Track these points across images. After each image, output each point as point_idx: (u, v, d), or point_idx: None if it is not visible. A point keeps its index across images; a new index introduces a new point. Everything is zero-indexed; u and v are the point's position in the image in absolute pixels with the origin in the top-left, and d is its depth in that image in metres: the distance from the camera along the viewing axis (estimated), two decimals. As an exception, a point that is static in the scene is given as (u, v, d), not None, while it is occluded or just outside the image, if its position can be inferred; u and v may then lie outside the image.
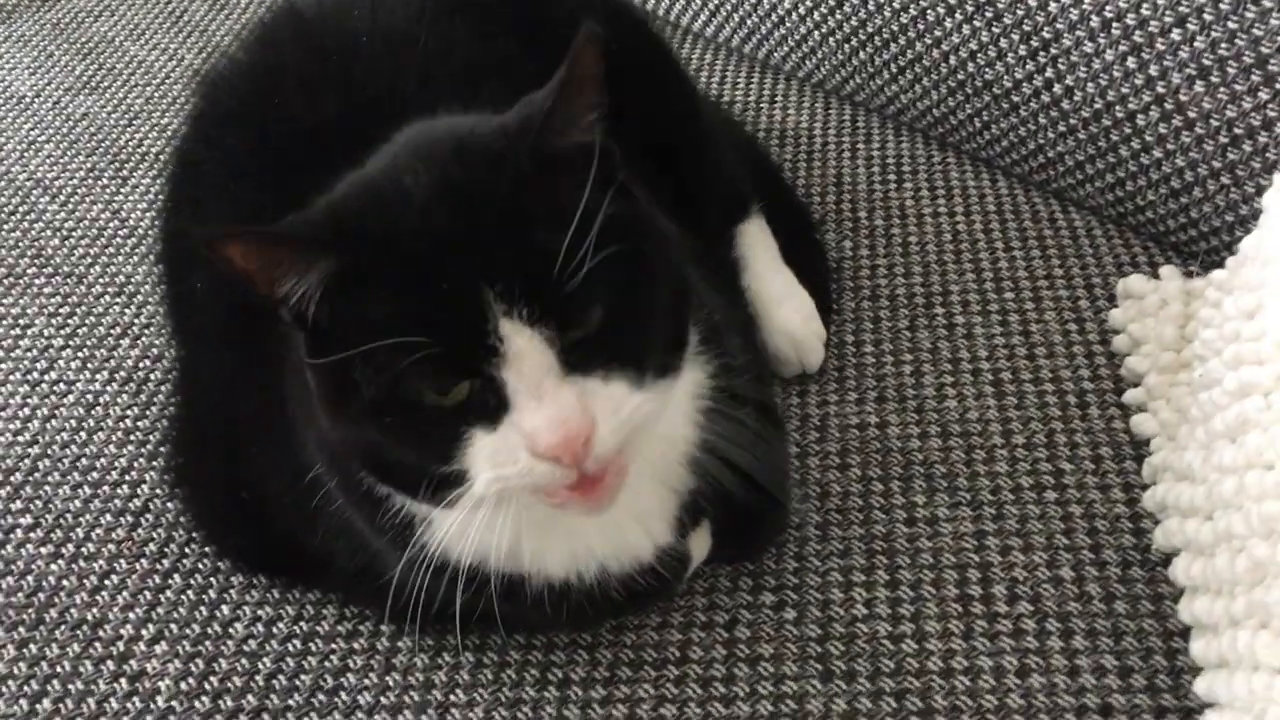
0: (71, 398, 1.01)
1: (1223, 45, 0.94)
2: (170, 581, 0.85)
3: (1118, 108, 1.03)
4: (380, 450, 0.61)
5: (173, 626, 0.82)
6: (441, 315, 0.56)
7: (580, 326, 0.58)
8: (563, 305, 0.56)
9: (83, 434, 0.98)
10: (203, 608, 0.84)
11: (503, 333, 0.56)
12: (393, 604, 0.77)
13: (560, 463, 0.57)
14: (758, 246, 1.02)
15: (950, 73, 1.15)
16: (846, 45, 1.24)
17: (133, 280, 1.14)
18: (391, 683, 0.78)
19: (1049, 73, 1.07)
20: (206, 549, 0.87)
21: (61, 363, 1.05)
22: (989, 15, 1.09)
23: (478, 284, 0.55)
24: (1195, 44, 0.96)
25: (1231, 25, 0.93)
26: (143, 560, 0.87)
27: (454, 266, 0.56)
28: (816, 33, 1.27)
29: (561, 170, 0.59)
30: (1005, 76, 1.10)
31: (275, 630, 0.82)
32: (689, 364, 0.67)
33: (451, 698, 0.77)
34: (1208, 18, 0.94)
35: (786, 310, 0.98)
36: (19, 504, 0.92)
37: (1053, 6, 1.04)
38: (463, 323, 0.56)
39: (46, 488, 0.93)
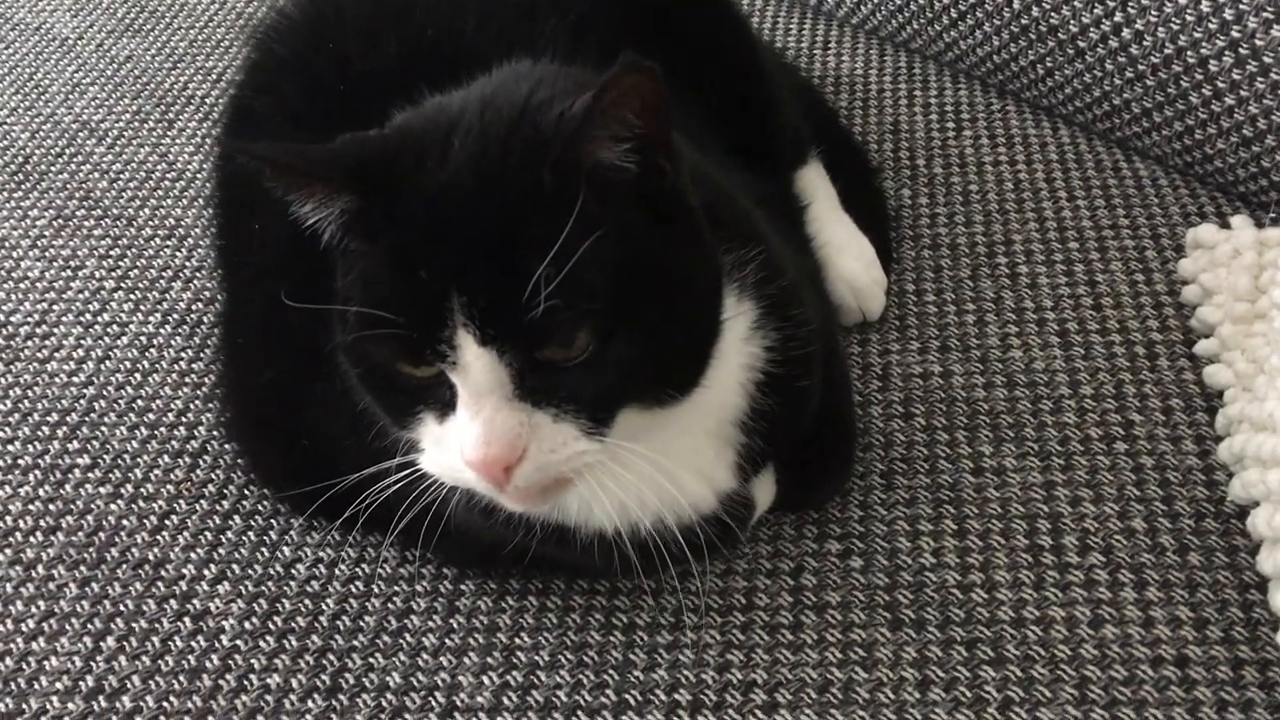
0: (125, 339, 1.01)
1: (1303, -12, 0.92)
2: (230, 523, 0.85)
3: (1189, 53, 1.00)
4: (358, 381, 0.63)
5: (234, 567, 0.82)
6: (411, 301, 0.56)
7: (550, 355, 0.56)
8: (524, 331, 0.55)
9: (138, 375, 0.97)
10: (264, 549, 0.83)
11: (457, 341, 0.55)
12: (451, 545, 0.77)
13: (482, 477, 0.58)
14: (818, 192, 1.00)
15: (1013, 18, 1.12)
16: (904, -10, 1.21)
17: (182, 223, 1.13)
18: (456, 625, 0.78)
19: (1117, 17, 1.04)
20: (265, 492, 0.87)
21: (114, 304, 1.04)
22: (1057, -43, 1.06)
23: (449, 287, 0.55)
24: (1274, -13, 0.93)
25: (1314, -33, 0.91)
26: (202, 501, 0.87)
27: (439, 259, 0.55)
28: (873, -23, 1.24)
29: (581, 191, 0.56)
30: (1071, 21, 1.07)
31: (337, 572, 0.81)
32: (746, 340, 0.67)
33: (517, 640, 0.76)
34: (1289, -41, 0.92)
35: (847, 258, 0.97)
36: (76, 444, 0.92)
37: (1124, -52, 1.01)
38: (426, 317, 0.55)
39: (104, 428, 0.93)
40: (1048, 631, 0.74)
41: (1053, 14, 1.08)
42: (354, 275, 0.59)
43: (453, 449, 0.59)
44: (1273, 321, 0.80)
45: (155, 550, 0.84)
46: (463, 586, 0.80)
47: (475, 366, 0.56)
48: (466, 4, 0.83)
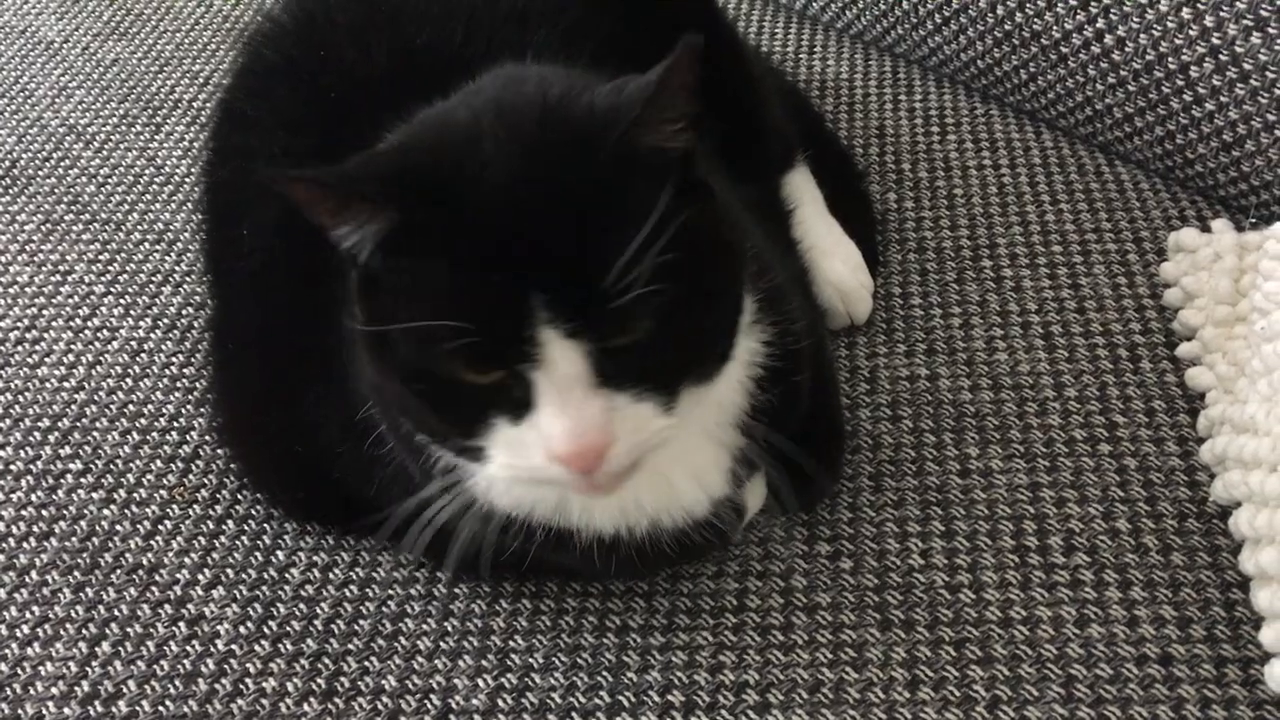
0: (116, 344, 1.01)
1: (1282, -5, 0.93)
2: (224, 527, 0.86)
3: (1171, 59, 1.02)
4: (404, 403, 0.62)
5: (229, 572, 0.83)
6: (485, 307, 0.55)
7: (621, 340, 0.56)
8: (607, 319, 0.55)
9: (129, 380, 0.97)
10: (258, 554, 0.84)
11: (540, 339, 0.55)
12: (445, 550, 0.78)
13: (572, 470, 0.57)
14: (805, 197, 1.01)
15: (997, 23, 1.13)
16: (889, -5, 1.23)
17: (171, 228, 1.13)
18: (450, 628, 0.78)
19: (1100, 23, 1.05)
20: (259, 496, 0.87)
21: (104, 309, 1.04)
22: (1040, -36, 1.07)
23: (527, 288, 0.54)
24: (1253, -6, 0.95)
25: (1292, -25, 0.92)
26: (195, 506, 0.87)
27: (510, 261, 0.55)
28: (858, -18, 1.25)
29: (639, 174, 0.57)
30: (1054, 27, 1.09)
31: (331, 576, 0.82)
32: (742, 336, 0.67)
33: (511, 643, 0.77)
34: (1268, -33, 0.93)
35: (834, 261, 0.98)
36: (68, 449, 0.92)
37: (1106, -45, 1.03)
38: (504, 320, 0.55)
39: (95, 433, 0.93)
40: (1034, 631, 0.75)
41: (1035, 20, 1.10)
42: (403, 293, 0.57)
43: (533, 448, 0.58)
44: (1253, 325, 0.82)
45: (149, 555, 0.84)
46: (457, 590, 0.81)
47: (561, 361, 0.56)
48: (456, 12, 0.84)
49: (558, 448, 0.57)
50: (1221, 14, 0.97)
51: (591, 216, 0.56)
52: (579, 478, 0.58)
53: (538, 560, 0.73)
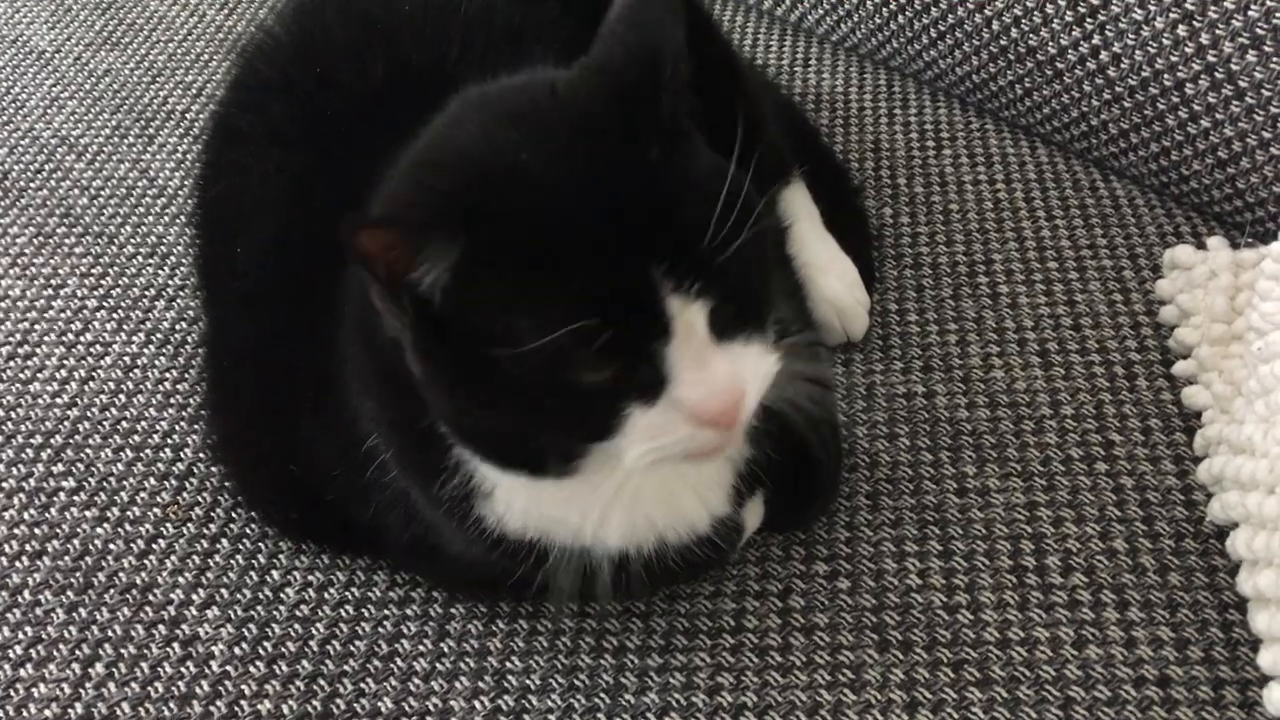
0: (109, 359, 1.00)
1: (1277, 15, 0.93)
2: (218, 546, 0.85)
3: (1166, 76, 1.02)
4: (507, 431, 0.60)
5: (223, 592, 0.82)
6: (613, 295, 0.54)
7: (734, 291, 0.57)
8: (717, 275, 0.56)
9: (122, 396, 0.97)
10: (252, 573, 0.83)
11: (670, 311, 0.55)
12: (445, 573, 0.78)
13: (718, 427, 0.57)
14: (800, 212, 1.01)
15: (992, 38, 1.14)
16: (884, 9, 1.23)
17: (164, 241, 1.13)
18: (447, 649, 0.78)
19: (1095, 40, 1.05)
20: (253, 514, 0.87)
21: (97, 324, 1.04)
22: (1036, -20, 1.08)
23: (645, 262, 0.54)
24: (1249, 12, 0.95)
25: (1288, -6, 0.92)
26: (189, 525, 0.87)
27: (614, 246, 0.54)
28: (853, -4, 1.25)
29: (681, 132, 0.58)
30: (1050, 43, 1.09)
31: (327, 596, 0.81)
32: None
33: (507, 665, 0.77)
34: (1263, -14, 0.93)
35: (830, 278, 0.98)
36: (61, 466, 0.91)
37: (1102, -28, 1.03)
38: (632, 302, 0.55)
39: (88, 450, 0.93)
40: (1032, 652, 0.75)
41: (1031, 36, 1.10)
42: (501, 319, 0.55)
43: (674, 422, 0.57)
44: (1250, 345, 0.82)
45: (143, 575, 0.83)
46: (453, 610, 0.80)
47: (690, 327, 0.56)
48: (452, 31, 0.84)
49: (705, 409, 0.57)
50: (1217, 32, 0.97)
51: (674, 180, 0.57)
52: (721, 434, 0.58)
53: (539, 582, 0.73)
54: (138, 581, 0.83)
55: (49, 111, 1.31)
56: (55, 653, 0.79)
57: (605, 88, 0.59)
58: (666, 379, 0.57)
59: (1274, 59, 0.94)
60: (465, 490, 0.67)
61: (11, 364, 1.00)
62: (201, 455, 0.91)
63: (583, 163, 0.56)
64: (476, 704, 0.75)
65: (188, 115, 1.29)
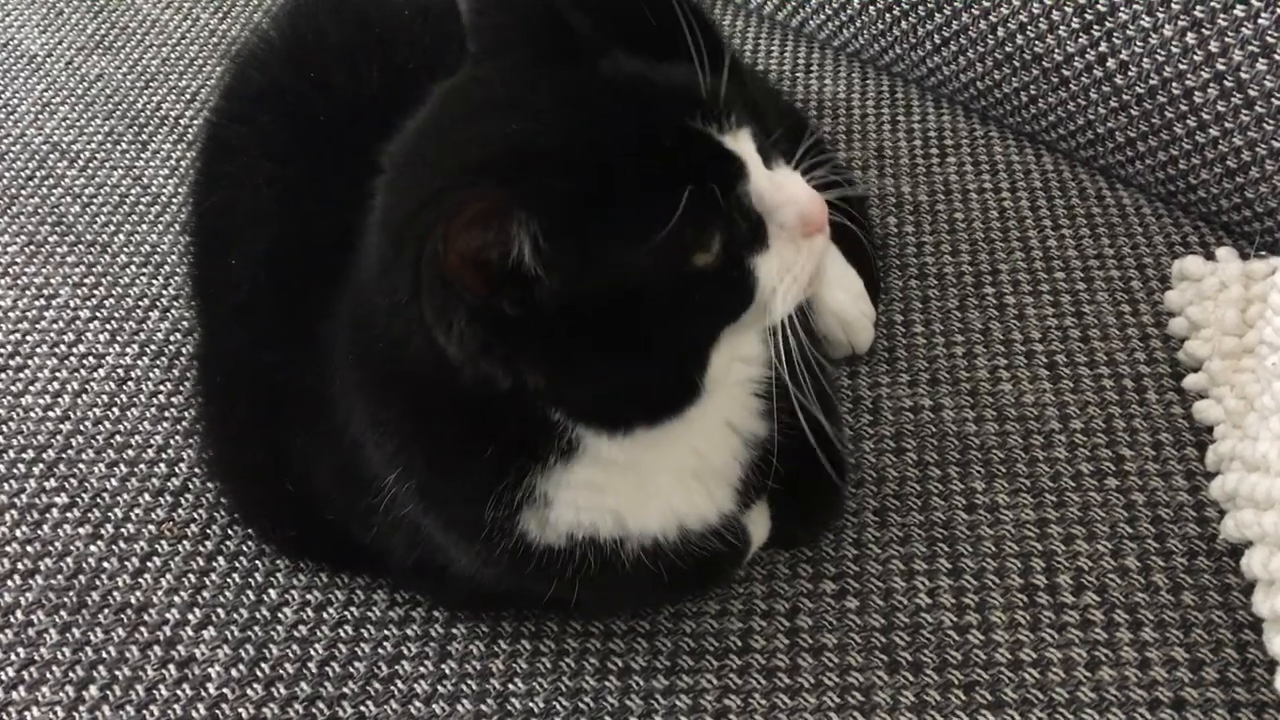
0: (102, 372, 0.99)
1: (1288, 22, 0.92)
2: (215, 564, 0.83)
3: (1174, 84, 1.01)
4: (647, 369, 0.61)
5: (220, 611, 0.81)
6: (678, 168, 0.57)
7: (756, 120, 0.61)
8: (739, 106, 0.60)
9: (116, 409, 0.95)
10: (249, 592, 0.82)
11: (728, 147, 0.59)
12: (451, 593, 0.77)
13: (819, 230, 0.61)
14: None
15: (998, 45, 1.12)
16: (887, 15, 1.21)
17: (159, 250, 1.11)
18: (448, 671, 0.76)
19: (1103, 47, 1.04)
20: (249, 532, 0.85)
21: (90, 335, 1.02)
22: (1043, -13, 1.06)
23: (682, 123, 0.58)
24: (1259, 20, 0.94)
25: (1299, 2, 0.91)
26: (185, 542, 0.85)
27: (653, 133, 0.57)
28: (855, 1, 1.24)
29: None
30: (1056, 50, 1.08)
31: (325, 616, 0.80)
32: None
33: (510, 686, 0.75)
34: (1274, -6, 0.92)
35: (835, 290, 0.96)
36: (53, 482, 0.90)
37: (1110, -21, 1.01)
38: (699, 162, 0.57)
39: (81, 465, 0.91)
40: (1045, 674, 0.74)
41: (1037, 43, 1.09)
42: (610, 233, 0.56)
43: (789, 246, 0.60)
44: (1263, 359, 0.81)
45: (137, 594, 0.82)
46: (455, 630, 0.79)
47: (751, 158, 0.60)
48: (450, 38, 0.82)
49: (808, 213, 0.60)
50: (1227, 39, 0.96)
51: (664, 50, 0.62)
52: (820, 245, 0.61)
53: (548, 598, 0.72)
54: (132, 601, 0.82)
55: (40, 117, 1.29)
56: (49, 675, 0.77)
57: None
58: (762, 217, 0.60)
59: (1284, 68, 0.93)
60: (515, 506, 0.65)
61: (2, 376, 0.99)
62: (197, 470, 0.90)
63: (573, 89, 0.60)
64: (479, 727, 0.73)
65: (181, 121, 1.27)
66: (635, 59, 0.63)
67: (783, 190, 0.60)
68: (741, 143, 0.60)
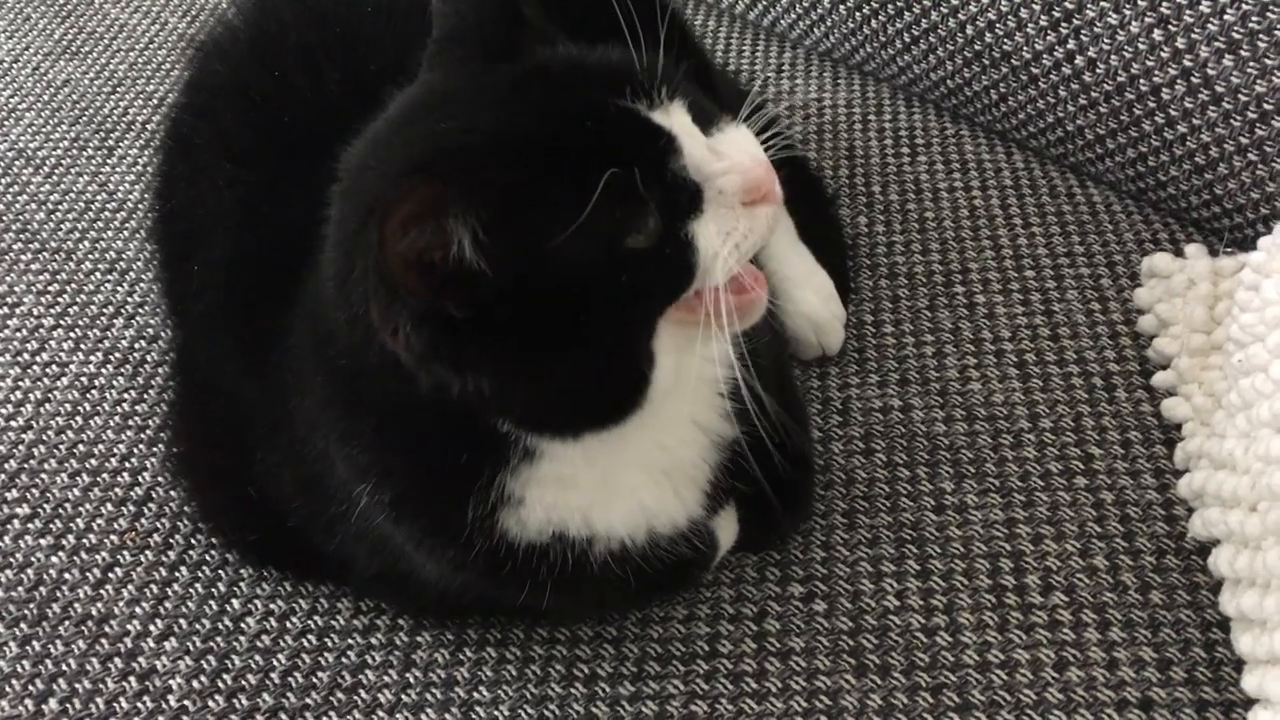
0: (65, 380, 0.98)
1: (1254, 18, 0.92)
2: (177, 574, 0.83)
3: (1142, 81, 1.00)
4: (591, 367, 0.59)
5: (182, 622, 0.80)
6: (603, 150, 0.56)
7: (689, 89, 0.61)
8: (670, 79, 0.59)
9: (79, 418, 0.94)
10: (212, 602, 0.81)
11: (657, 122, 0.58)
12: (416, 600, 0.76)
13: (765, 198, 0.59)
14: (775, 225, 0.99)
15: (967, 43, 1.12)
16: (858, 14, 1.21)
17: (124, 256, 1.10)
18: (412, 679, 0.76)
19: (1071, 44, 1.04)
20: (214, 540, 0.84)
21: (53, 343, 1.01)
22: (1010, -15, 1.06)
23: (607, 103, 0.57)
24: (1225, 16, 0.93)
25: (1264, -2, 0.91)
26: (147, 552, 0.84)
27: (580, 116, 0.57)
28: (826, 1, 1.23)
29: None
30: (1025, 48, 1.07)
31: (289, 625, 0.79)
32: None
33: (475, 695, 0.75)
34: (1239, -10, 0.92)
35: (806, 292, 0.96)
36: (14, 493, 0.89)
37: (1077, -24, 1.01)
38: (623, 141, 0.57)
39: (43, 475, 0.90)
40: (1013, 675, 0.73)
41: (1005, 41, 1.08)
42: (547, 216, 0.55)
43: (728, 211, 0.59)
44: (1230, 357, 0.80)
45: (99, 605, 0.81)
46: (419, 638, 0.78)
47: (685, 128, 0.59)
48: (413, 40, 0.82)
49: (749, 176, 0.58)
50: (1194, 36, 0.96)
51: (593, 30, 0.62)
52: (771, 208, 0.60)
53: (516, 604, 0.71)
54: (94, 612, 0.81)
55: (5, 123, 1.28)
56: (8, 688, 0.76)
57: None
58: (701, 185, 0.58)
59: (1250, 63, 0.93)
60: (491, 505, 0.65)
61: (-35, 386, 0.97)
62: (161, 479, 0.89)
63: (498, 86, 0.60)
64: (443, 737, 0.73)
65: (148, 126, 1.26)
66: (576, 44, 0.63)
67: (724, 158, 0.59)
68: (674, 116, 0.59)
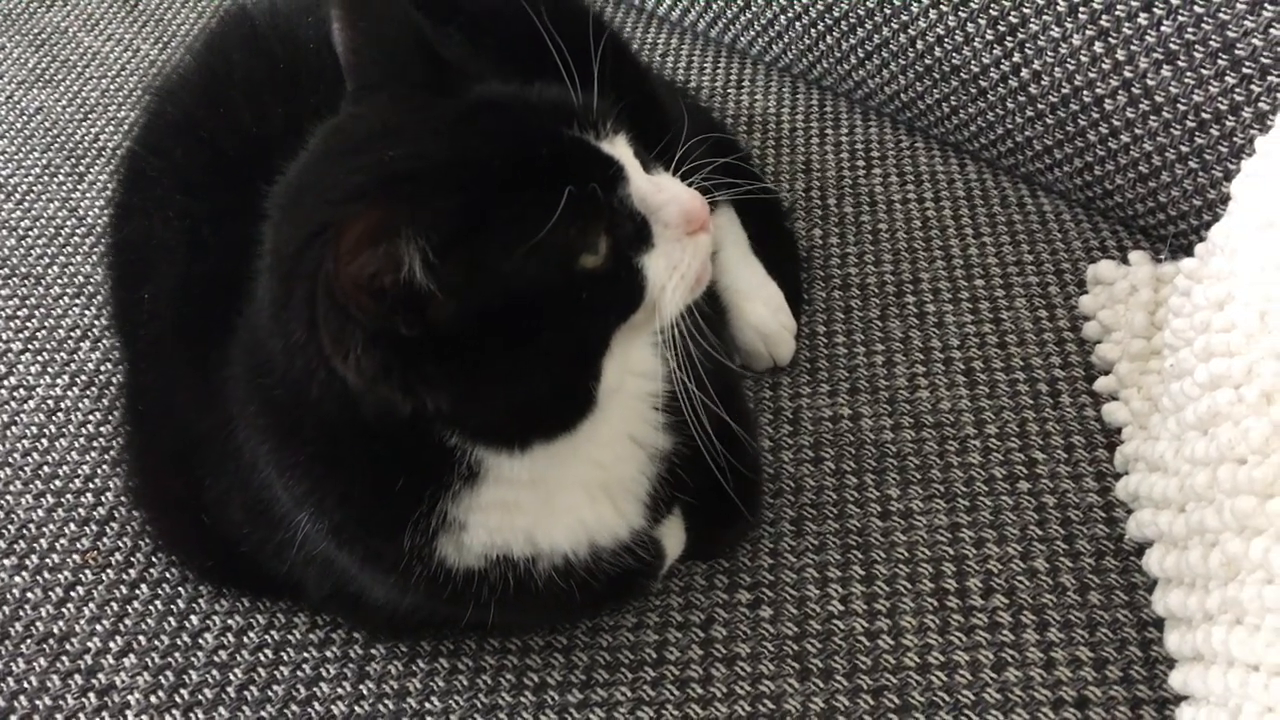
0: (32, 403, 0.99)
1: (1190, 29, 0.94)
2: (138, 592, 0.84)
3: (1085, 92, 1.02)
4: (542, 379, 0.61)
5: (141, 638, 0.81)
6: (557, 172, 0.58)
7: (621, 120, 0.64)
8: (607, 115, 0.63)
9: (44, 441, 0.96)
10: (171, 618, 0.82)
11: (606, 151, 0.61)
12: (367, 618, 0.78)
13: (701, 228, 0.63)
14: (726, 238, 1.01)
15: (917, 57, 1.14)
16: (813, 29, 1.23)
17: (92, 281, 1.11)
18: (365, 691, 0.77)
19: (1016, 57, 1.06)
20: (172, 560, 0.86)
21: (21, 367, 1.03)
22: (956, 0, 1.08)
23: (558, 132, 0.60)
24: (1163, 28, 0.95)
25: (1199, 9, 0.93)
26: (109, 570, 0.86)
27: (531, 143, 0.60)
28: (783, 16, 1.25)
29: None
30: (973, 61, 1.09)
31: (246, 640, 0.81)
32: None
33: (427, 705, 0.76)
34: (1175, 1, 0.94)
35: (756, 304, 0.98)
36: (-20, 515, 0.90)
37: (1020, -9, 1.03)
38: (577, 165, 0.60)
39: (8, 497, 0.91)
40: (952, 677, 0.75)
41: (954, 54, 1.10)
42: (499, 237, 0.57)
43: (674, 243, 0.63)
44: (1166, 361, 0.82)
45: (60, 623, 0.82)
46: (373, 651, 0.80)
47: (630, 161, 0.62)
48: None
49: (690, 210, 0.62)
50: (1133, 48, 0.98)
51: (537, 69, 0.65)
52: (704, 244, 0.64)
53: (468, 619, 0.73)
54: (55, 630, 0.82)
55: (-22, 152, 1.30)
56: (-31, 706, 0.78)
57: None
58: (645, 216, 0.62)
59: (1188, 74, 0.95)
60: (431, 533, 0.66)
61: (-67, 411, 0.99)
62: (123, 499, 0.90)
63: (445, 115, 0.62)
64: (394, 746, 0.74)
65: (119, 152, 1.27)
66: (510, 83, 0.64)
67: (663, 190, 0.63)
68: (619, 147, 0.63)
